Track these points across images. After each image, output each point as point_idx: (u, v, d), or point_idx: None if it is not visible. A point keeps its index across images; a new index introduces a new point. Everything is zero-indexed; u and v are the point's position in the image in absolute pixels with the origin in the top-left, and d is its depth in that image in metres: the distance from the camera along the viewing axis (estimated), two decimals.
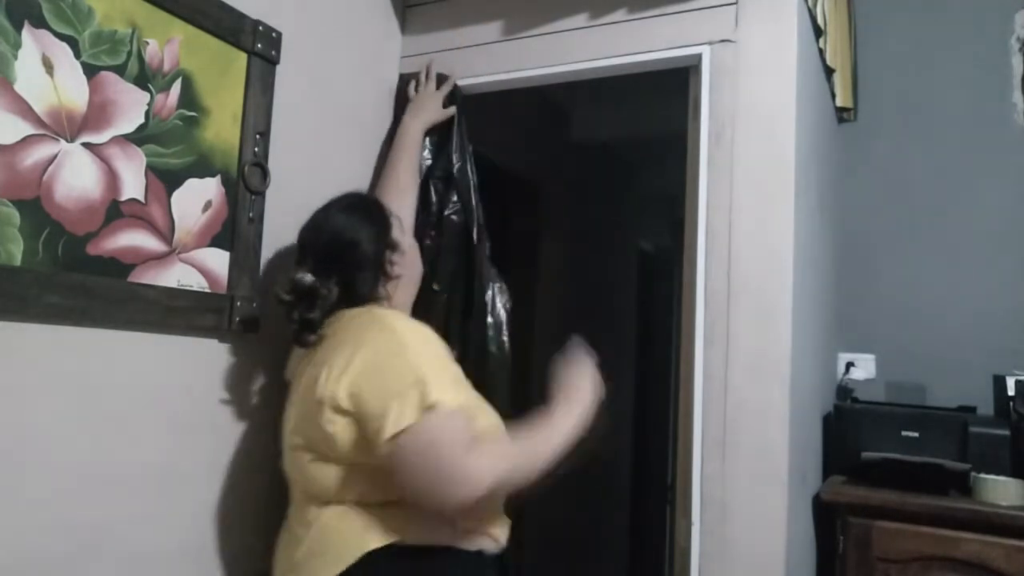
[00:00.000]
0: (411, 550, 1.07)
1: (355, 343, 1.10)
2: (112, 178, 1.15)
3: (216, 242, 1.32)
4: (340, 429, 1.07)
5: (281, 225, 1.45)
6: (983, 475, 1.63)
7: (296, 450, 1.16)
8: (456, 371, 1.14)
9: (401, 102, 1.76)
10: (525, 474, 1.09)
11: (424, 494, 1.03)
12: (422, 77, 1.72)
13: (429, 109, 1.67)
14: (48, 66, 1.06)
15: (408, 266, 1.29)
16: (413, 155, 1.61)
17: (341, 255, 1.20)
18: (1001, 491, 1.59)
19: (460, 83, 1.73)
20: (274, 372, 1.45)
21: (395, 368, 1.05)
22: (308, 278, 1.17)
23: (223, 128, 1.33)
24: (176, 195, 1.25)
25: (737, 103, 1.44)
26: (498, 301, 1.63)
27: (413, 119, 1.64)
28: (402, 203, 1.52)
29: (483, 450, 1.05)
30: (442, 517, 1.08)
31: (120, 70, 1.16)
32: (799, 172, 1.44)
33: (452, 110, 1.68)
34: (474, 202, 1.65)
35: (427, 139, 1.69)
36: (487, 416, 1.18)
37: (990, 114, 2.16)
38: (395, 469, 1.03)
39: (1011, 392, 1.82)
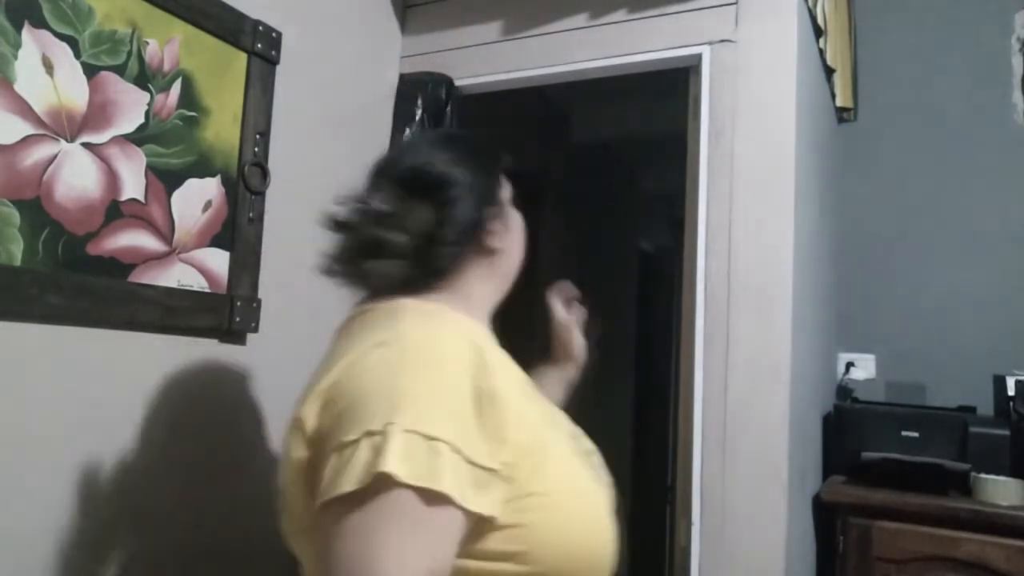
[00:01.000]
0: None
1: (353, 348, 0.75)
2: (112, 178, 1.15)
3: (216, 242, 1.32)
4: (301, 469, 0.72)
5: (281, 225, 1.45)
6: (983, 475, 1.63)
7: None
8: (468, 416, 0.68)
9: (402, 104, 1.77)
10: None
11: None
12: None
13: None
14: (48, 66, 1.06)
15: (511, 245, 0.90)
16: None
17: (426, 192, 0.81)
18: (1001, 491, 1.59)
19: (460, 83, 1.73)
20: (274, 372, 1.45)
21: (370, 393, 0.68)
22: (381, 204, 0.80)
23: (223, 128, 1.33)
24: (176, 195, 1.25)
25: (737, 103, 1.44)
26: None
27: None
28: None
29: None
30: None
31: (120, 70, 1.16)
32: (799, 172, 1.44)
33: None
34: None
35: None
36: (555, 460, 0.74)
37: (990, 114, 2.16)
38: (316, 544, 0.68)
39: (1011, 392, 1.82)
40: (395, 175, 0.84)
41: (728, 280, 1.42)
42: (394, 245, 0.79)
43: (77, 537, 1.11)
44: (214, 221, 1.32)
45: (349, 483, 0.63)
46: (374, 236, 0.80)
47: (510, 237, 0.91)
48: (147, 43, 1.20)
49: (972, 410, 1.87)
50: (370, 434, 0.64)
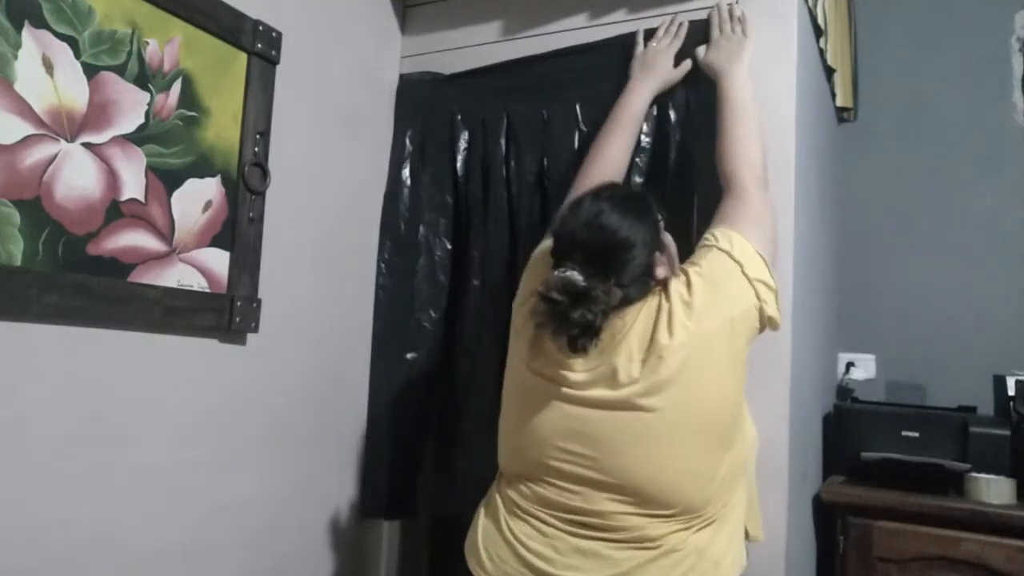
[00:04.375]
0: None
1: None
2: (112, 178, 1.15)
3: (216, 242, 1.32)
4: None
5: (281, 225, 1.45)
6: (974, 474, 1.63)
7: (681, 437, 1.08)
8: None
9: (402, 104, 1.77)
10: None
11: None
12: (661, 32, 1.48)
13: (659, 70, 1.44)
14: (48, 66, 1.06)
15: (671, 266, 1.14)
16: (632, 131, 1.42)
17: (613, 257, 1.06)
18: (994, 490, 1.59)
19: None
20: (274, 372, 1.45)
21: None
22: (579, 279, 1.02)
23: (223, 128, 1.33)
24: (176, 195, 1.25)
25: None
26: None
27: (639, 83, 1.43)
28: None
29: None
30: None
31: (120, 70, 1.16)
32: (799, 172, 1.44)
33: (686, 67, 1.46)
34: None
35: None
36: None
37: (990, 114, 2.16)
38: None
39: (1011, 392, 1.82)
40: (588, 245, 1.05)
41: None
42: (590, 313, 1.02)
43: (77, 537, 1.11)
44: (214, 221, 1.32)
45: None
46: (575, 312, 1.02)
47: (668, 258, 1.12)
48: (147, 43, 1.20)
49: (972, 410, 1.86)
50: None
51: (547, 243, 1.19)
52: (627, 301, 1.08)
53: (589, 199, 1.10)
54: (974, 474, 1.63)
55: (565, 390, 1.10)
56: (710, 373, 1.08)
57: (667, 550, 1.07)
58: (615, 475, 1.07)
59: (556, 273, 1.04)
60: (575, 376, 1.10)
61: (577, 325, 1.02)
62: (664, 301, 1.09)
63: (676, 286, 1.10)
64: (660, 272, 1.11)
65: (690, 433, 1.08)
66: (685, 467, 1.08)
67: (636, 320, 1.09)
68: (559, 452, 1.10)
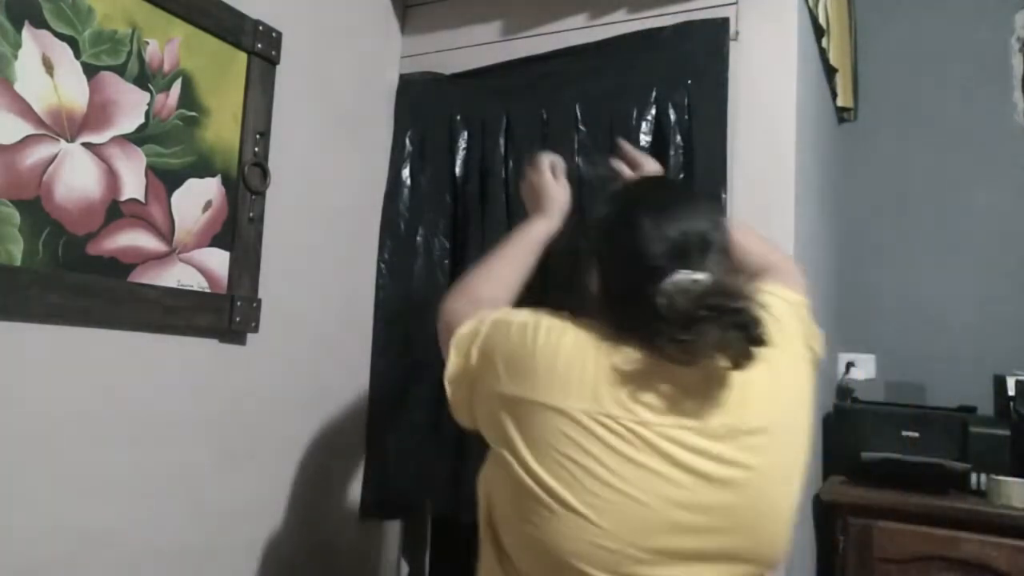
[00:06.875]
0: None
1: None
2: (112, 178, 1.15)
3: (216, 242, 1.32)
4: None
5: (281, 225, 1.45)
6: (996, 476, 1.61)
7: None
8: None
9: (402, 104, 1.77)
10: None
11: None
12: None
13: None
14: (48, 66, 1.06)
15: None
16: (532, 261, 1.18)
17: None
18: (1016, 493, 1.58)
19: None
20: (274, 372, 1.45)
21: None
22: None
23: (223, 128, 1.33)
24: (176, 195, 1.25)
25: (737, 103, 1.44)
26: None
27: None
28: None
29: None
30: None
31: (120, 70, 1.16)
32: (799, 172, 1.44)
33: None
34: None
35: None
36: None
37: (990, 114, 2.16)
38: None
39: (1011, 392, 1.82)
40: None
41: None
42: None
43: (76, 537, 1.11)
44: (214, 221, 1.32)
45: None
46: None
47: None
48: (147, 43, 1.20)
49: (972, 410, 1.86)
50: None
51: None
52: None
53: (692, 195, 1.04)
54: (995, 476, 1.61)
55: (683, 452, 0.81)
56: None
57: None
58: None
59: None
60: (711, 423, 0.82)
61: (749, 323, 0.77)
62: None
63: None
64: None
65: None
66: None
67: None
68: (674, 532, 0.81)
